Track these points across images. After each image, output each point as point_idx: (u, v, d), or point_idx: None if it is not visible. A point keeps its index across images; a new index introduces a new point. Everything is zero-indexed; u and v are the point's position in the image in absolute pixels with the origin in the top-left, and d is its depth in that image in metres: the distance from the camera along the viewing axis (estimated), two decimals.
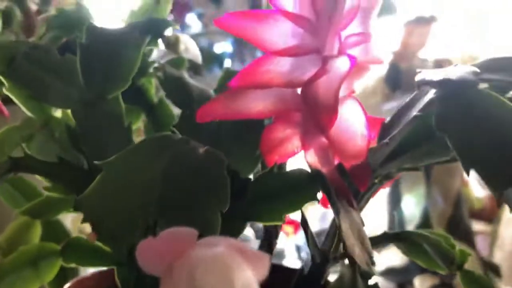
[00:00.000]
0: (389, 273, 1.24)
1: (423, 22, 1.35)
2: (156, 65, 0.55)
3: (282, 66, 0.32)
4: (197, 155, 0.31)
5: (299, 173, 0.38)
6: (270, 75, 0.32)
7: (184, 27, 1.56)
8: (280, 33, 0.31)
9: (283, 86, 0.33)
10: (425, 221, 1.24)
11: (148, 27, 0.48)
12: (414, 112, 0.32)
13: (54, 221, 0.57)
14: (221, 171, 0.30)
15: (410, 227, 1.24)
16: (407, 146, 0.40)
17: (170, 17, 1.51)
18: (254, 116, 0.36)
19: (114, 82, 0.42)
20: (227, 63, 1.40)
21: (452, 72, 0.27)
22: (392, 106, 1.37)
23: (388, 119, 0.40)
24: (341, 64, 0.32)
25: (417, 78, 0.28)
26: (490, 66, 0.31)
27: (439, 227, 1.21)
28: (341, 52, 0.32)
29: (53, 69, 0.44)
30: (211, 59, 1.36)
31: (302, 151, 0.38)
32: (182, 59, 0.54)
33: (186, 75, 0.52)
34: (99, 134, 0.42)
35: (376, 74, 1.39)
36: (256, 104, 0.36)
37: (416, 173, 1.11)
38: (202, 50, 1.38)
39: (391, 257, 1.18)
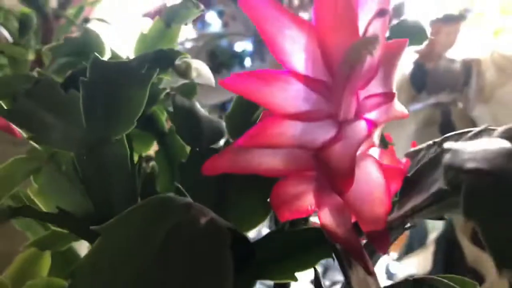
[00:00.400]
0: None
1: (452, 20, 1.28)
2: (167, 90, 0.53)
3: (293, 129, 0.29)
4: (198, 227, 0.29)
5: (312, 232, 0.35)
6: (279, 138, 0.29)
7: (204, 24, 1.53)
8: (291, 96, 0.28)
9: (293, 148, 0.31)
10: (449, 230, 1.20)
11: (157, 60, 0.45)
12: (439, 182, 0.29)
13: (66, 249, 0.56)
14: (224, 250, 0.28)
15: (433, 235, 1.20)
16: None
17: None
18: (262, 173, 0.34)
19: (118, 124, 0.40)
20: (248, 61, 1.37)
21: (486, 154, 0.24)
22: (418, 107, 1.32)
23: (411, 173, 0.36)
24: (358, 129, 0.29)
25: (444, 160, 0.25)
26: None
27: (464, 236, 1.17)
28: (358, 116, 0.29)
29: (55, 108, 0.42)
30: (232, 58, 1.34)
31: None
32: (193, 85, 0.52)
33: (197, 105, 0.50)
34: (102, 179, 0.40)
35: (400, 74, 1.34)
36: (265, 161, 0.33)
37: None
38: (222, 49, 1.36)
39: None
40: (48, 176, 0.48)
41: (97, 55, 0.43)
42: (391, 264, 1.48)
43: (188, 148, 0.46)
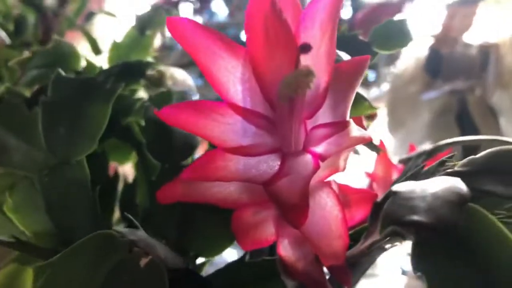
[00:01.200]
0: None
1: (468, 3, 1.21)
2: (144, 100, 0.51)
3: (236, 163, 0.27)
4: (139, 268, 0.27)
5: (273, 263, 0.33)
6: (223, 172, 0.27)
7: (210, 13, 1.50)
8: (229, 130, 0.26)
9: (239, 181, 0.28)
10: None
11: (124, 73, 0.43)
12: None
13: None
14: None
15: None
16: None
17: (196, 5, 1.46)
18: (217, 203, 0.32)
19: (78, 145, 0.39)
20: None
21: (432, 201, 0.21)
22: (432, 95, 1.27)
23: (381, 197, 0.33)
24: (304, 163, 0.26)
25: (385, 207, 0.22)
26: (495, 166, 0.25)
27: None
28: (305, 148, 0.27)
29: (17, 128, 0.40)
30: None
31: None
32: (169, 94, 0.49)
33: None
34: (63, 202, 0.39)
35: (415, 60, 1.28)
36: (218, 192, 0.31)
37: None
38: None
39: None
40: (22, 193, 0.47)
41: (60, 71, 0.41)
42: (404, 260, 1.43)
43: None
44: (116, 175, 0.50)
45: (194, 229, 0.39)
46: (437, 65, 1.26)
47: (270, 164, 0.27)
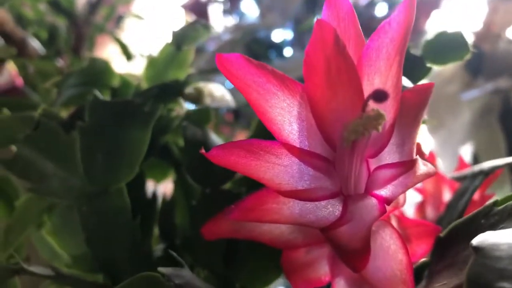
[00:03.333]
0: None
1: None
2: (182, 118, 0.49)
3: (290, 207, 0.25)
4: None
5: None
6: (275, 216, 0.25)
7: (240, 14, 1.48)
8: (284, 172, 0.24)
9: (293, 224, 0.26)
10: None
11: (162, 94, 0.41)
12: None
13: None
14: None
15: None
16: None
17: (226, 6, 1.43)
18: (266, 243, 0.30)
19: (117, 173, 0.37)
20: (288, 51, 1.30)
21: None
22: (473, 94, 1.21)
23: (445, 232, 0.31)
24: (367, 208, 0.24)
25: (469, 271, 0.19)
26: None
27: None
28: (369, 191, 0.24)
29: (55, 155, 0.39)
30: (269, 49, 1.27)
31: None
32: (207, 111, 0.47)
33: (211, 136, 0.46)
34: (102, 232, 0.37)
35: None
36: (267, 231, 0.29)
37: None
38: (259, 40, 1.30)
39: None
40: (61, 216, 0.46)
41: (97, 94, 0.40)
42: None
43: None
44: (154, 195, 0.48)
45: (240, 260, 0.37)
46: (477, 63, 1.21)
47: (330, 209, 0.24)
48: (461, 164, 0.57)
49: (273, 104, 0.23)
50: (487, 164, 0.43)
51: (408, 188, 0.25)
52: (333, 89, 0.21)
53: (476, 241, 0.21)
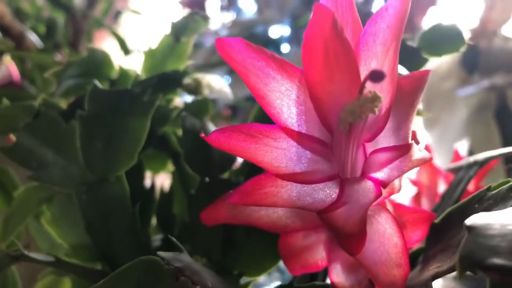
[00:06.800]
0: None
1: None
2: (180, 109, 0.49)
3: (288, 190, 0.25)
4: None
5: None
6: (273, 198, 0.25)
7: (237, 10, 1.48)
8: (282, 155, 0.24)
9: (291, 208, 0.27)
10: None
11: (161, 84, 0.42)
12: None
13: None
14: None
15: None
16: None
17: (223, 2, 1.43)
18: (263, 227, 0.30)
19: (117, 161, 0.37)
20: (285, 47, 1.30)
21: None
22: (469, 91, 1.22)
23: (439, 218, 0.31)
24: (364, 191, 0.24)
25: (462, 247, 0.20)
26: None
27: None
28: (365, 174, 0.25)
29: (55, 143, 0.39)
30: (266, 45, 1.28)
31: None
32: (206, 102, 0.48)
33: (209, 126, 0.46)
34: (102, 219, 0.38)
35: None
36: (265, 215, 0.30)
37: None
38: (256, 36, 1.30)
39: None
40: (60, 205, 0.46)
41: (96, 83, 0.40)
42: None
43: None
44: (153, 185, 0.49)
45: (238, 247, 0.37)
46: (473, 59, 1.21)
47: (327, 192, 0.25)
48: (456, 157, 0.58)
49: (272, 88, 0.23)
50: (482, 155, 0.44)
51: (404, 172, 0.26)
52: (330, 72, 0.22)
53: (469, 221, 0.21)
